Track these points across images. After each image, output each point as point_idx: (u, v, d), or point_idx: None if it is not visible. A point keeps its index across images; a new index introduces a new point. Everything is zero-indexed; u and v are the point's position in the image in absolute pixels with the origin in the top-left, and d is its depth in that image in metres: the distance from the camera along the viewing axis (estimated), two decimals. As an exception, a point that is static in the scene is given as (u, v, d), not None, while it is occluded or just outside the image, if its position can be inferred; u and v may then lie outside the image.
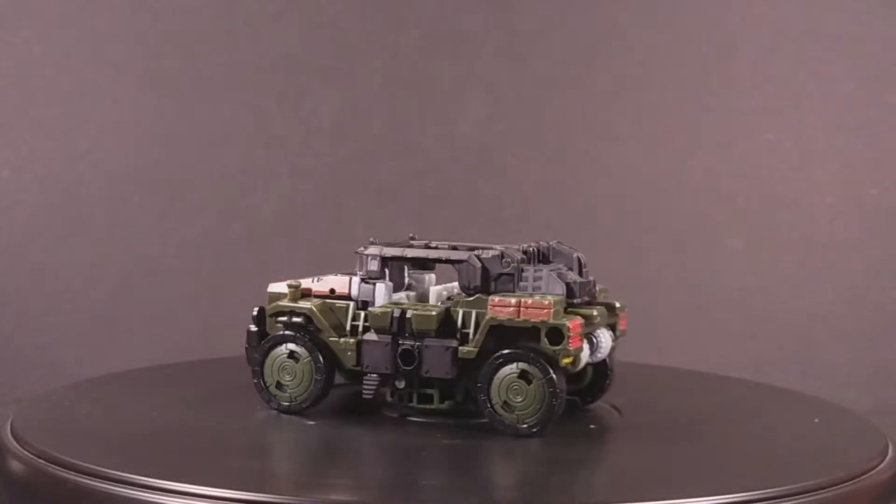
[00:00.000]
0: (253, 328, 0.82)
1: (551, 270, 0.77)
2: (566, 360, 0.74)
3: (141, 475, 0.66)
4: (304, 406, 0.80)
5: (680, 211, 1.33)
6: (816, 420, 0.78)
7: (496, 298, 0.75)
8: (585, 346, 0.76)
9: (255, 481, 0.67)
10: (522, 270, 0.77)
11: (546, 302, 0.74)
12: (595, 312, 0.77)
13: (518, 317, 0.74)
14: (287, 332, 0.80)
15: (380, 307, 0.78)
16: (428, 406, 0.78)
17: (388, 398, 0.80)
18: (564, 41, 1.33)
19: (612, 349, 0.80)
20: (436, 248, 0.80)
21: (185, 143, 1.30)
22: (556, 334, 0.74)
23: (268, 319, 0.82)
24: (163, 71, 1.30)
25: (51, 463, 0.70)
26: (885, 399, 1.28)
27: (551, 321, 0.74)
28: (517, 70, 1.33)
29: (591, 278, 0.79)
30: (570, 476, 0.71)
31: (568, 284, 0.76)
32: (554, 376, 0.74)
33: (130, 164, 1.30)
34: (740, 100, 1.32)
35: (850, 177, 1.31)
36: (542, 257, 0.79)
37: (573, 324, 0.74)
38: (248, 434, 0.77)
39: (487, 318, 0.75)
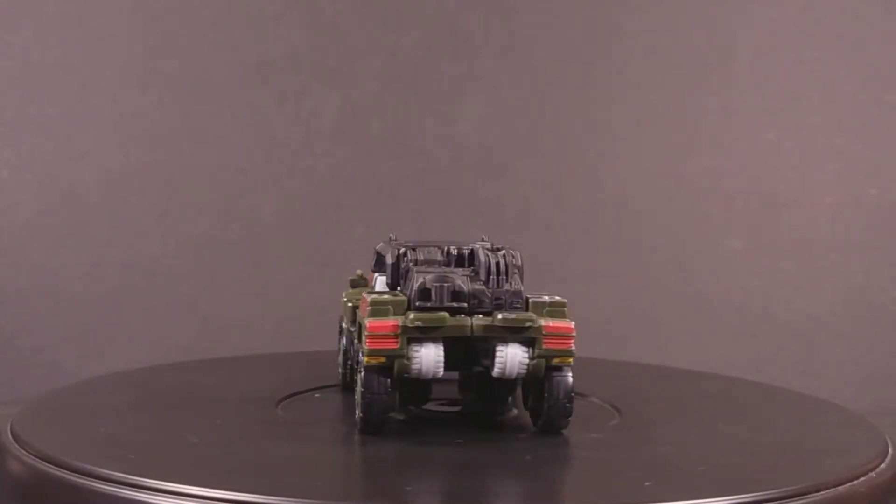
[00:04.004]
0: None
1: (431, 272, 0.74)
2: (368, 360, 0.73)
3: (140, 476, 0.66)
4: (343, 387, 0.86)
5: (680, 211, 1.33)
6: (647, 484, 0.69)
7: (363, 295, 0.75)
8: (432, 354, 0.72)
9: (256, 482, 0.67)
10: (408, 270, 0.76)
11: (368, 299, 0.73)
12: (447, 319, 0.72)
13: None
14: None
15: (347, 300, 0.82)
16: None
17: None
18: (564, 41, 1.33)
19: (531, 367, 0.73)
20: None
21: (185, 143, 1.30)
22: (362, 332, 0.74)
23: None
24: (163, 71, 1.30)
25: (51, 463, 0.70)
26: (885, 399, 1.28)
27: (363, 319, 0.73)
28: (517, 70, 1.33)
29: (508, 287, 0.74)
30: (568, 477, 0.71)
31: (423, 288, 0.73)
32: (363, 373, 0.73)
33: (130, 164, 1.30)
34: (740, 100, 1.32)
35: (850, 177, 1.31)
36: (464, 260, 0.76)
37: (377, 324, 0.72)
38: (247, 434, 0.77)
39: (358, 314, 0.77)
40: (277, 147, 1.32)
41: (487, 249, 0.76)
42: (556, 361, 0.74)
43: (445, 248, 0.77)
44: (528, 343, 0.73)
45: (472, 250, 0.77)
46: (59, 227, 1.28)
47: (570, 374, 0.74)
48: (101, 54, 1.29)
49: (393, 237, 0.81)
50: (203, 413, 0.81)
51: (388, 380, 0.73)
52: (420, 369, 0.73)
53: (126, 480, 0.66)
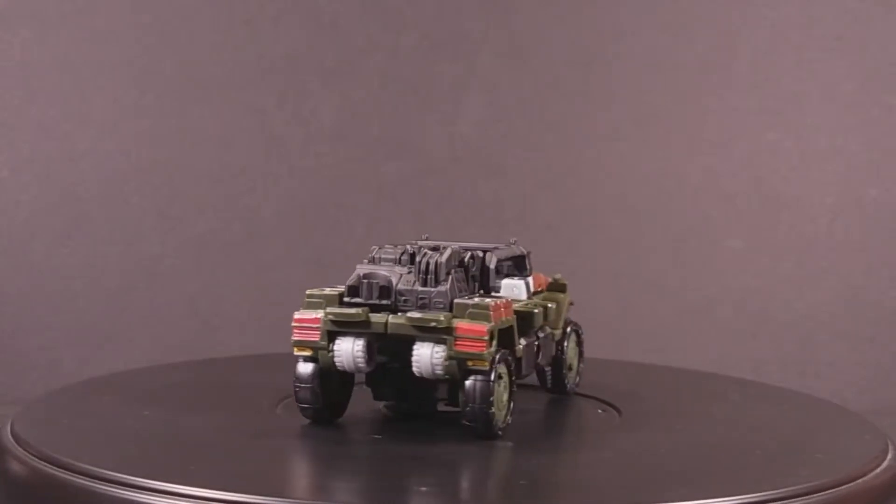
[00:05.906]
0: None
1: (366, 269, 0.75)
2: (296, 350, 0.76)
3: (140, 476, 0.66)
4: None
5: (680, 211, 1.33)
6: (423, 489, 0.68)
7: None
8: (350, 349, 0.74)
9: (255, 482, 0.67)
10: None
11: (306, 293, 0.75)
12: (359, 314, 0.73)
13: None
14: None
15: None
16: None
17: None
18: (564, 41, 1.33)
19: (446, 369, 0.73)
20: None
21: (185, 143, 1.30)
22: None
23: None
24: (163, 71, 1.30)
25: (50, 463, 0.70)
26: (885, 399, 1.28)
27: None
28: (517, 70, 1.33)
29: (437, 288, 0.73)
30: (569, 477, 0.71)
31: (351, 284, 0.75)
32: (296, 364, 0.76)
33: (130, 164, 1.30)
34: (740, 100, 1.32)
35: (850, 177, 1.31)
36: (411, 258, 0.76)
37: (302, 316, 0.75)
38: (247, 434, 0.77)
39: None
40: (277, 147, 1.32)
41: (430, 248, 0.76)
42: (471, 364, 0.73)
43: (405, 248, 0.77)
44: (443, 344, 0.73)
45: (415, 249, 0.77)
46: (59, 227, 1.28)
47: (491, 378, 0.73)
48: (101, 54, 1.29)
49: (425, 236, 0.82)
50: (203, 413, 0.81)
51: (318, 370, 0.75)
52: (343, 363, 0.75)
53: (126, 480, 0.66)
